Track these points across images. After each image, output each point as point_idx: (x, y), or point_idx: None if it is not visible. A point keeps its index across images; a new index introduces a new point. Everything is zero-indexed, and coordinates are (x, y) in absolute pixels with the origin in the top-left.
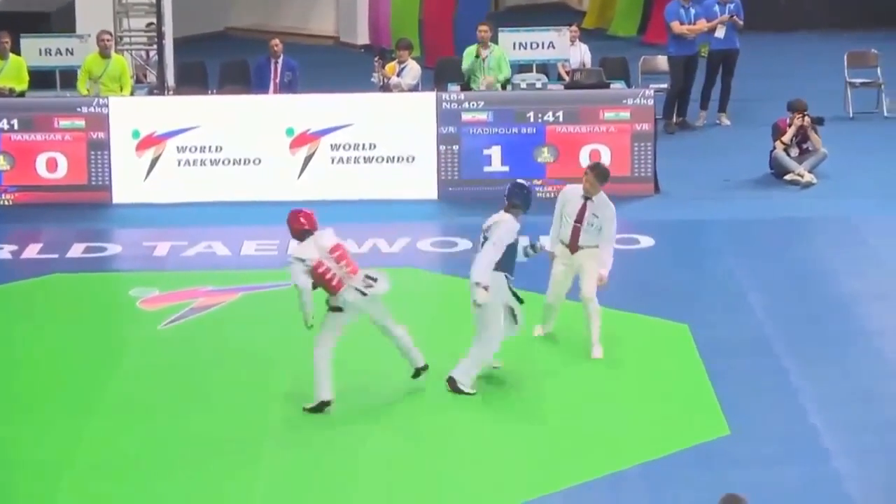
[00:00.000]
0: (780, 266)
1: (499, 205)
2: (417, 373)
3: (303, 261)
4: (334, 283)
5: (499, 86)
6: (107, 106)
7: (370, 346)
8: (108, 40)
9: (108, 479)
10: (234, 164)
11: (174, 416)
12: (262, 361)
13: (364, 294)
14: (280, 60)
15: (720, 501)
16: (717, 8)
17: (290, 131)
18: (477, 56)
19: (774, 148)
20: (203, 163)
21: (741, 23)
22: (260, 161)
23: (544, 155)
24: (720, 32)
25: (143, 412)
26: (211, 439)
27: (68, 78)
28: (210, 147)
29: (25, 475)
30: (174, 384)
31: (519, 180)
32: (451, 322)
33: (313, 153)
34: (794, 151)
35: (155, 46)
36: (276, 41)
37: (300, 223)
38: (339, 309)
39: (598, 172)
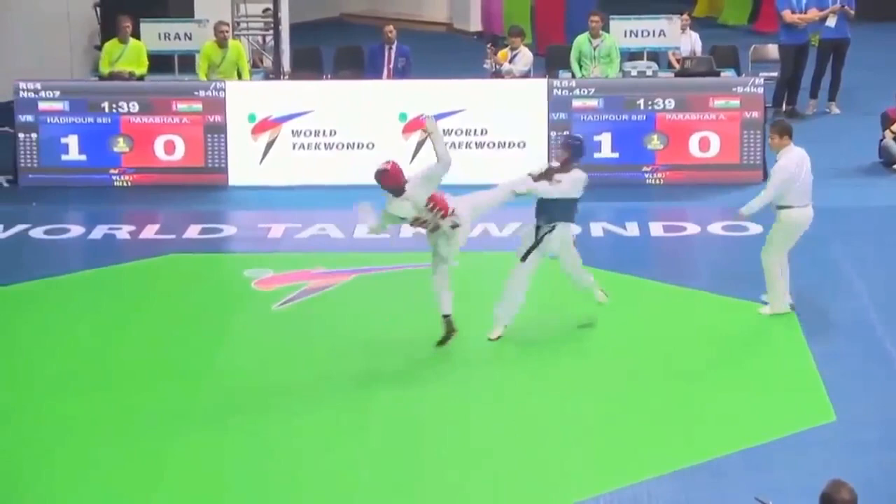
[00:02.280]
0: (886, 253)
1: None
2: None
3: (402, 219)
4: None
5: (612, 72)
6: (224, 90)
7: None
8: (225, 31)
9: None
10: (347, 148)
11: (287, 397)
12: (373, 343)
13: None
14: (394, 46)
15: (825, 487)
16: None
17: (403, 116)
18: (588, 43)
19: (884, 137)
20: (317, 147)
21: (853, 12)
22: (373, 145)
23: (654, 142)
24: (831, 21)
25: (254, 393)
26: (320, 420)
27: (186, 62)
28: (324, 131)
29: (135, 448)
30: (288, 364)
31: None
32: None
33: (426, 138)
34: None
35: (271, 32)
36: (391, 27)
37: (396, 180)
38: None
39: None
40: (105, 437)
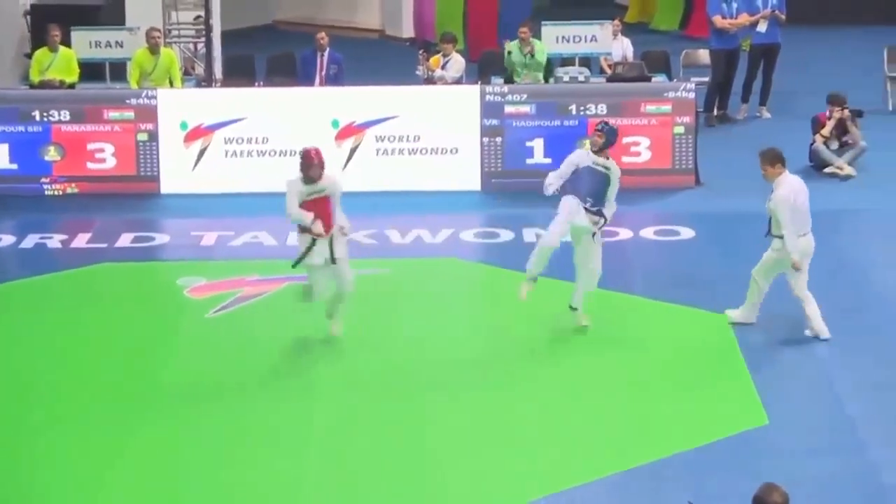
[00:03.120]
0: (818, 257)
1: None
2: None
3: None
4: None
5: (540, 78)
6: (155, 98)
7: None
8: (157, 37)
9: (156, 466)
10: (280, 155)
11: (222, 404)
12: (306, 349)
13: None
14: (326, 53)
15: (758, 491)
16: (759, 2)
17: (335, 123)
18: (519, 50)
19: (814, 141)
20: (250, 154)
21: (783, 17)
22: None
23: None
24: (762, 27)
25: (191, 399)
26: (257, 427)
27: (118, 70)
28: (257, 138)
29: (74, 467)
30: (222, 371)
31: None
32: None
33: (358, 145)
34: (834, 144)
35: (203, 39)
36: (322, 34)
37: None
38: None
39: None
40: (43, 446)
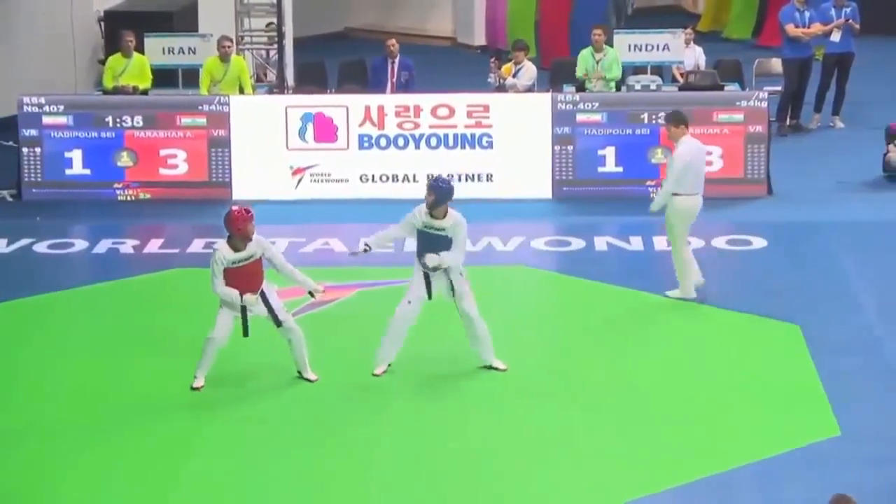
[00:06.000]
0: (892, 267)
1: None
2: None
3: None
4: None
5: (612, 87)
6: (227, 104)
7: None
8: (228, 46)
9: (224, 466)
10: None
11: (293, 411)
12: (373, 357)
13: None
14: (396, 60)
15: (830, 502)
16: (832, 12)
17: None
18: (592, 57)
19: (888, 151)
20: None
21: (857, 27)
22: None
23: (658, 156)
24: (836, 36)
25: (258, 407)
26: (327, 434)
27: (191, 76)
28: None
29: (146, 465)
30: (294, 378)
31: None
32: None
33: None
34: None
35: (275, 46)
36: (392, 41)
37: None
38: None
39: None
40: (119, 450)
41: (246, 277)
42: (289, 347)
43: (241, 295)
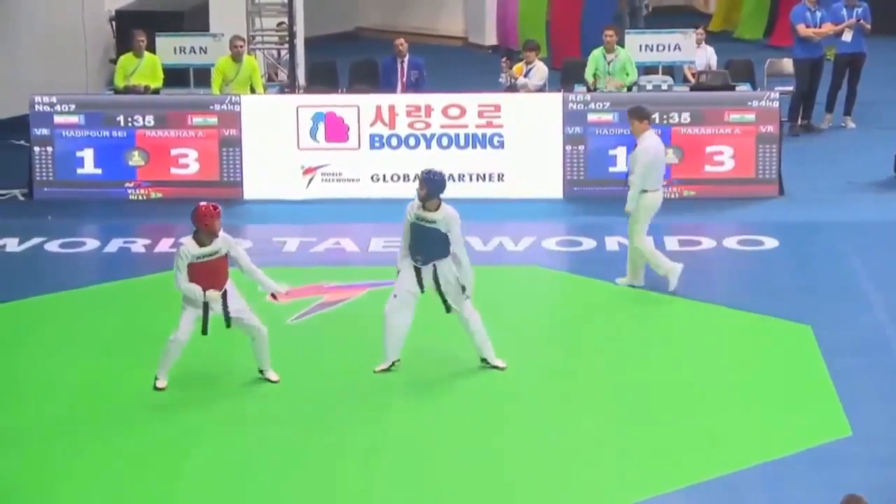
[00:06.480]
0: None
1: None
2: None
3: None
4: None
5: (625, 88)
6: (239, 104)
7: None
8: (240, 46)
9: (225, 472)
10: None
11: (301, 410)
12: (381, 357)
13: None
14: (406, 60)
15: (841, 502)
16: (844, 12)
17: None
18: (603, 58)
19: None
20: None
21: (868, 27)
22: None
23: (669, 156)
24: (847, 36)
25: (259, 407)
26: (335, 434)
27: (202, 76)
28: None
29: (152, 462)
30: (302, 377)
31: None
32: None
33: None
34: None
35: (286, 46)
36: (401, 40)
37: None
38: None
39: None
40: (119, 450)
41: (210, 273)
42: (251, 345)
43: (204, 291)
